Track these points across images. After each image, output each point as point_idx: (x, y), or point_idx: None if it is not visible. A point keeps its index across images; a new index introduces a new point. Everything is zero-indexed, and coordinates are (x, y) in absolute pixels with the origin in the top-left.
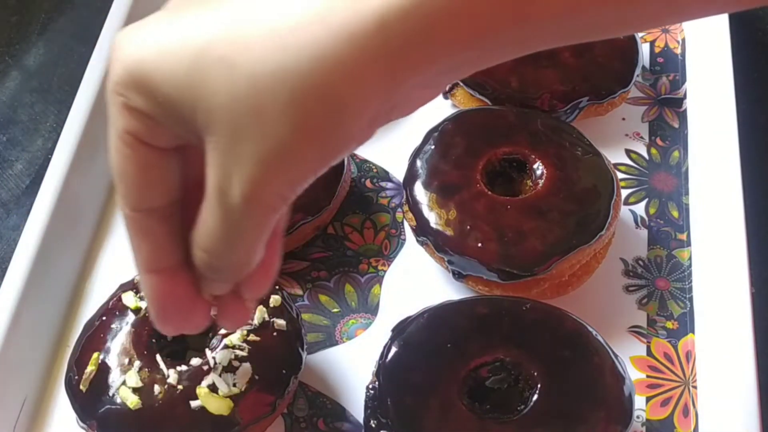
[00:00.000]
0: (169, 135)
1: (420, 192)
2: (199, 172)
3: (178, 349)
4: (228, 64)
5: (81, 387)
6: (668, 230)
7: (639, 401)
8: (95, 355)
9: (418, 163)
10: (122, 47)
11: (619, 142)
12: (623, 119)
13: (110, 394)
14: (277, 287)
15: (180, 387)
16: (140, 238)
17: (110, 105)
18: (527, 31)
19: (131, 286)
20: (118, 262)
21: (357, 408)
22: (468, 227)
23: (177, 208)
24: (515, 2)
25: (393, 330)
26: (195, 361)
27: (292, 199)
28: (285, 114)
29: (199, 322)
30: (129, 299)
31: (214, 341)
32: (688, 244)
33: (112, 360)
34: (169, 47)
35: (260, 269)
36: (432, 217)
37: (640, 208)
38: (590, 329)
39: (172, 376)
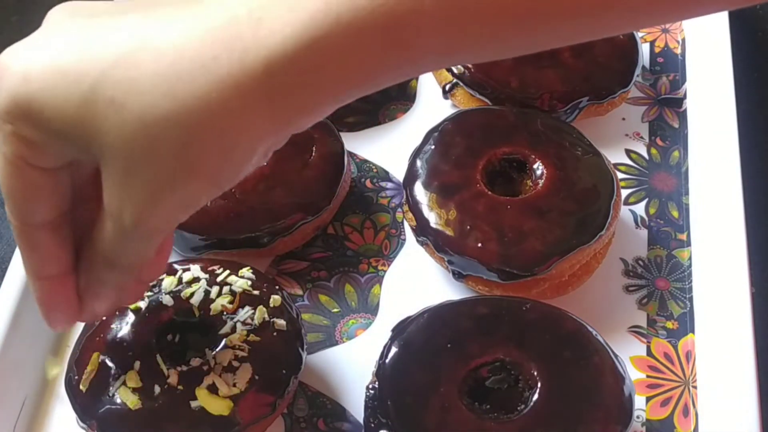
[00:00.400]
0: (57, 158)
1: (420, 192)
2: (87, 178)
3: (178, 349)
4: (118, 106)
5: (81, 387)
6: (668, 230)
7: (639, 401)
8: (95, 355)
9: (418, 163)
10: (9, 72)
11: (619, 142)
12: (623, 119)
13: (110, 394)
14: (277, 287)
15: (180, 387)
16: (30, 249)
17: None
18: (417, 66)
19: None
20: None
21: (357, 408)
22: (468, 227)
23: (65, 217)
24: (398, 45)
25: (393, 330)
26: (195, 362)
27: (182, 220)
28: (176, 156)
29: (86, 318)
30: None
31: (214, 341)
32: (688, 244)
33: (112, 360)
34: (57, 83)
35: (152, 262)
36: (432, 217)
37: (640, 208)
38: (590, 329)
39: (172, 377)
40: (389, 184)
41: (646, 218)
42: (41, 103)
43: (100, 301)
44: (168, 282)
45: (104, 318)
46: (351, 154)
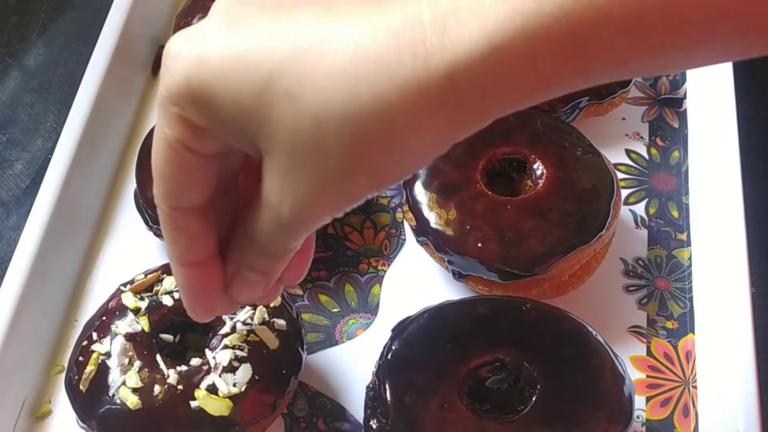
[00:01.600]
0: (216, 144)
1: (420, 192)
2: (234, 167)
3: (178, 349)
4: (293, 99)
5: (81, 387)
6: (668, 230)
7: (639, 401)
8: (95, 355)
9: None
10: (182, 57)
11: (619, 142)
12: (623, 119)
13: (110, 394)
14: None
15: (180, 387)
16: (176, 234)
17: (162, 111)
18: (588, 77)
19: (131, 286)
20: (118, 262)
21: (357, 408)
22: (468, 227)
23: (212, 204)
24: (578, 54)
25: (393, 330)
26: (195, 361)
27: (338, 216)
28: (346, 154)
29: (226, 309)
30: (129, 299)
31: (214, 341)
32: (688, 244)
33: (112, 360)
34: (235, 70)
35: (297, 258)
36: (432, 217)
37: (640, 208)
38: (590, 329)
39: (172, 376)
40: None
41: (646, 218)
42: (216, 88)
43: (246, 288)
44: (168, 282)
45: (104, 318)
46: None
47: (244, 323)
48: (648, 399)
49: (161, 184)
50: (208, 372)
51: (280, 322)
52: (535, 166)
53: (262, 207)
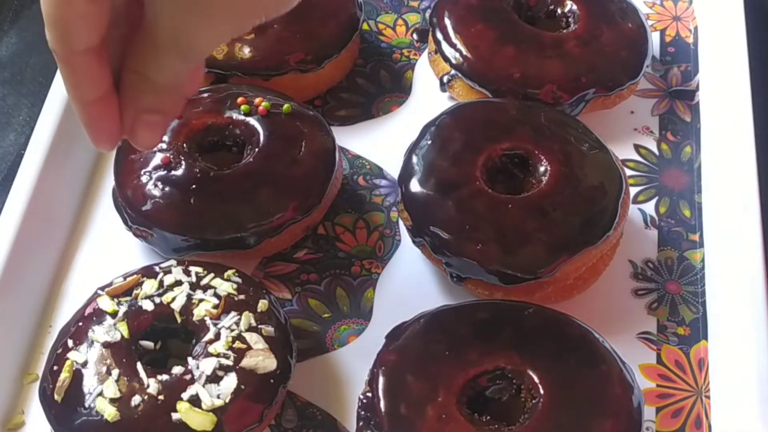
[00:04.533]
0: None
1: (416, 190)
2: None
3: (159, 357)
4: None
5: (56, 397)
6: (679, 230)
7: (648, 412)
8: (69, 362)
9: (414, 159)
10: None
11: (627, 137)
12: (632, 113)
13: (86, 405)
14: (264, 291)
15: (161, 398)
16: (74, 75)
17: None
18: None
19: (109, 289)
20: (95, 264)
21: (349, 419)
22: (467, 227)
23: (105, 42)
24: None
25: (387, 336)
26: (177, 370)
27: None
28: None
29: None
30: (106, 303)
31: (198, 348)
32: (701, 245)
33: (89, 368)
34: None
35: (192, 79)
36: (429, 217)
37: (649, 207)
38: (597, 335)
39: (152, 386)
40: (383, 182)
41: (656, 218)
42: None
43: (150, 131)
44: (148, 286)
45: (80, 324)
46: (343, 150)
47: (229, 329)
48: (658, 410)
49: (54, 30)
50: (191, 382)
51: (268, 329)
52: (538, 163)
53: (156, 45)
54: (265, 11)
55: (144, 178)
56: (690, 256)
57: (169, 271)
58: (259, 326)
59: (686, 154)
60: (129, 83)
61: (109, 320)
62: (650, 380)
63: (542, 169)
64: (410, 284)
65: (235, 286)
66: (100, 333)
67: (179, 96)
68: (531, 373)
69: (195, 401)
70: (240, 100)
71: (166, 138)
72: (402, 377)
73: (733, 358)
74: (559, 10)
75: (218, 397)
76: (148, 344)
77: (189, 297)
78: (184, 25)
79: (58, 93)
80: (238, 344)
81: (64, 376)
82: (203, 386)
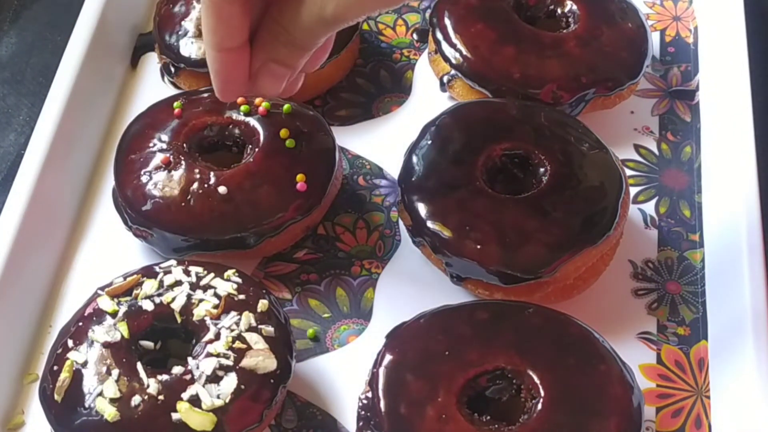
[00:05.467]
0: None
1: (416, 190)
2: None
3: (159, 357)
4: None
5: (56, 397)
6: (679, 230)
7: (648, 412)
8: (69, 362)
9: (414, 159)
10: None
11: (627, 137)
12: (632, 113)
13: (86, 405)
14: (264, 291)
15: (161, 398)
16: (217, 21)
17: None
18: None
19: (108, 289)
20: (95, 264)
21: (349, 419)
22: (467, 227)
23: None
24: None
25: (387, 336)
26: (177, 370)
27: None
28: None
29: (247, 92)
30: (106, 303)
31: (198, 348)
32: (701, 245)
33: (89, 368)
34: None
35: (317, 53)
36: (429, 217)
37: (649, 207)
38: (597, 335)
39: (152, 386)
40: (383, 182)
41: (656, 218)
42: None
43: (271, 79)
44: (148, 286)
45: (80, 324)
46: (343, 150)
47: (229, 329)
48: (658, 410)
49: None
50: (191, 382)
51: (268, 329)
52: (538, 163)
53: (304, 5)
54: None
55: (144, 178)
56: (690, 256)
57: (169, 271)
58: (259, 326)
59: (686, 154)
60: (268, 31)
61: (109, 320)
62: (650, 380)
63: (542, 169)
64: (410, 284)
65: (235, 286)
66: (100, 333)
67: (309, 57)
68: (531, 373)
69: (195, 401)
70: (240, 100)
71: (166, 138)
72: (402, 377)
73: (733, 358)
74: (559, 10)
75: (218, 397)
76: (148, 344)
77: (189, 297)
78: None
79: (58, 93)
80: (238, 344)
81: (64, 376)
82: (203, 386)
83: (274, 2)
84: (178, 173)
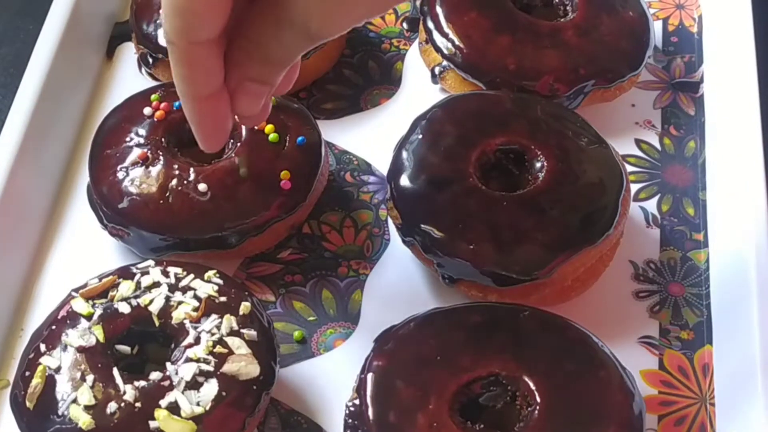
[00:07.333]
0: None
1: (406, 186)
2: None
3: (136, 362)
4: None
5: (27, 404)
6: (683, 229)
7: (650, 420)
8: (41, 367)
9: (404, 154)
10: None
11: (628, 131)
12: (633, 105)
13: (60, 412)
14: (246, 293)
15: (138, 405)
16: (191, 69)
17: None
18: None
19: (83, 291)
20: (68, 264)
21: (335, 427)
22: (460, 226)
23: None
24: None
25: (376, 341)
26: (155, 376)
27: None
28: None
29: (228, 134)
30: (81, 306)
31: (177, 353)
32: (705, 244)
33: (63, 374)
34: None
35: (288, 73)
36: (419, 215)
37: (651, 205)
38: (596, 340)
39: (129, 393)
40: (372, 178)
41: (659, 216)
42: None
43: (248, 99)
44: (125, 287)
45: (53, 327)
46: (329, 145)
47: (209, 333)
48: (660, 417)
49: (179, 19)
50: (170, 388)
51: (250, 333)
52: (534, 158)
53: (283, 21)
54: None
55: (120, 175)
56: (694, 256)
57: (147, 272)
58: (242, 330)
59: (690, 149)
60: (240, 49)
61: (83, 323)
62: (652, 387)
63: (539, 164)
64: (400, 286)
65: (216, 287)
66: (74, 337)
67: (285, 72)
68: (527, 379)
69: (174, 408)
70: None
71: (143, 132)
72: (391, 383)
73: (738, 363)
74: None
75: (198, 404)
76: (124, 349)
77: (167, 299)
78: (322, 7)
79: (30, 84)
80: (219, 349)
81: (36, 382)
82: (182, 393)
83: (245, 20)
84: (156, 169)
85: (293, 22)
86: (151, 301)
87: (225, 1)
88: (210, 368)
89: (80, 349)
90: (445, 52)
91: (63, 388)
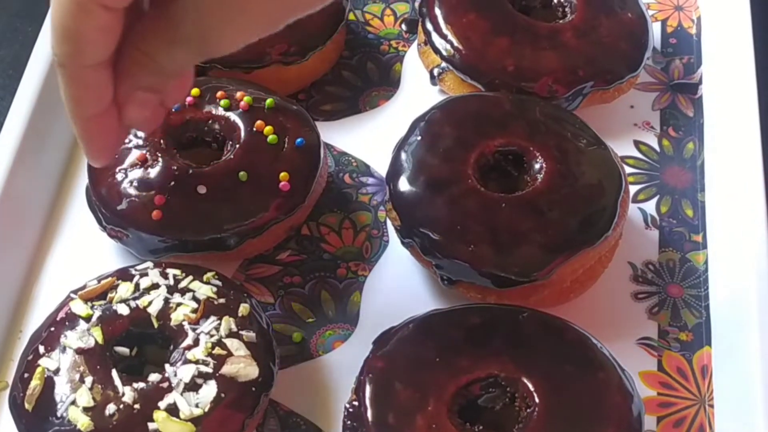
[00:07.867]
0: None
1: (405, 188)
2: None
3: (135, 364)
4: None
5: (26, 406)
6: (682, 231)
7: (649, 422)
8: (40, 369)
9: (403, 156)
10: None
11: (627, 133)
12: (632, 107)
13: (59, 414)
14: (245, 294)
15: (137, 407)
16: (82, 91)
17: None
18: None
19: (82, 292)
20: (67, 266)
21: (334, 429)
22: (459, 228)
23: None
24: None
25: (374, 342)
26: (154, 377)
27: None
28: None
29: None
30: (79, 308)
31: (176, 355)
32: (704, 246)
33: (61, 376)
34: None
35: (181, 83)
36: (418, 217)
37: (650, 207)
38: (595, 341)
39: (127, 395)
40: (370, 180)
41: (657, 217)
42: None
43: (139, 109)
44: (123, 289)
45: (52, 329)
46: (328, 146)
47: (208, 335)
48: (659, 419)
49: (68, 44)
50: (169, 390)
51: (249, 334)
52: (533, 160)
53: (176, 35)
54: (302, 7)
55: (119, 176)
56: (693, 257)
57: (146, 274)
58: (240, 332)
59: (689, 150)
60: (133, 60)
61: (82, 325)
62: (651, 388)
63: (537, 166)
64: (399, 287)
65: (214, 289)
66: (73, 339)
67: (177, 82)
68: (526, 380)
69: (172, 410)
70: (220, 94)
71: (141, 134)
72: (390, 385)
73: (737, 365)
74: (555, 0)
75: (197, 405)
76: (123, 350)
77: (166, 301)
78: (216, 22)
79: (29, 86)
80: (218, 350)
81: (35, 383)
82: (181, 394)
83: (137, 31)
84: (154, 171)
85: (185, 38)
86: (149, 303)
87: (115, 26)
88: (209, 370)
89: (79, 351)
90: (444, 53)
91: (62, 389)
